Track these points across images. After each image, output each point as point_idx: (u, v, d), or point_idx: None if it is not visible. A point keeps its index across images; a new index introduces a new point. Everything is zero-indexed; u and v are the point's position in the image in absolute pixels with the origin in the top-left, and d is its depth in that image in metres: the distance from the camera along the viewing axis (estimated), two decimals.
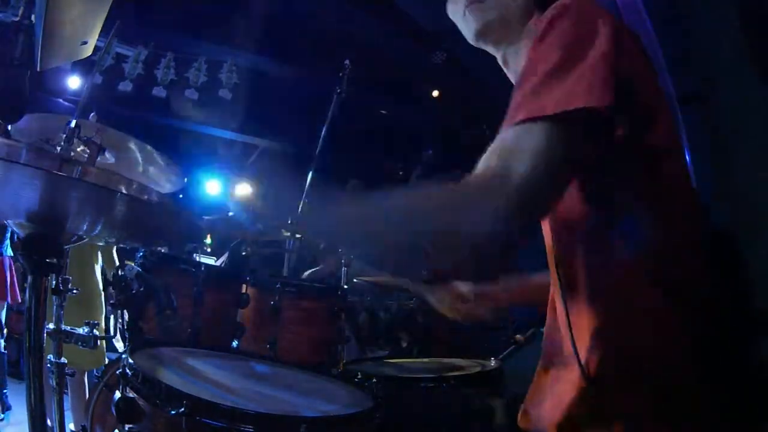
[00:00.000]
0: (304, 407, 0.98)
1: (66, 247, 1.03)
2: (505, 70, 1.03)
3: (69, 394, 2.36)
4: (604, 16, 0.73)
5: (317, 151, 2.41)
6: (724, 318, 0.74)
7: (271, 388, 1.07)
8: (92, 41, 1.59)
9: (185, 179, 2.04)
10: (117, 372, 0.94)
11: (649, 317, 0.72)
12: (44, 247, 0.96)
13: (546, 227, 0.90)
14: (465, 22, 0.98)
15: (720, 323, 0.73)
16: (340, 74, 2.42)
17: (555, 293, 0.90)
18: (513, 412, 0.95)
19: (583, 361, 0.75)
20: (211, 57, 5.16)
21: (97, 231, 1.12)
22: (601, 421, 0.74)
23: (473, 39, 0.98)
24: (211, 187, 7.05)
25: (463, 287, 1.23)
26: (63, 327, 1.41)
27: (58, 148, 1.39)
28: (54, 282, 1.34)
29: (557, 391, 0.83)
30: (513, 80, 1.02)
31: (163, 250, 1.54)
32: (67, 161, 1.34)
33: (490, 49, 1.00)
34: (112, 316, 2.86)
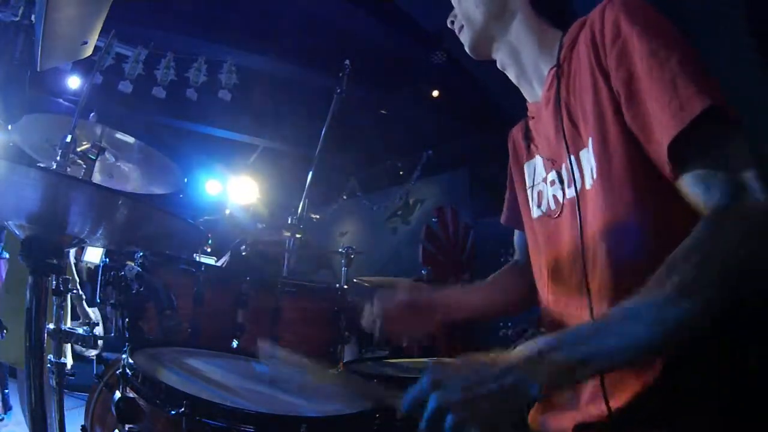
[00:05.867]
0: (304, 407, 0.98)
1: (66, 249, 1.03)
2: (505, 71, 1.04)
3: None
4: None
5: (317, 151, 2.41)
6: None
7: (271, 388, 1.07)
8: (92, 41, 1.59)
9: (185, 179, 2.04)
10: (117, 372, 0.94)
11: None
12: (45, 248, 0.96)
13: (571, 240, 0.88)
14: (462, 39, 1.05)
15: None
16: (340, 74, 2.42)
17: (571, 308, 0.89)
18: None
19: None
20: (211, 57, 5.16)
21: (98, 234, 1.12)
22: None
23: (474, 57, 1.05)
24: (211, 187, 7.05)
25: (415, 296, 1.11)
26: (63, 327, 1.42)
27: (54, 164, 1.39)
28: (54, 282, 1.34)
29: (576, 400, 0.84)
30: (513, 79, 1.03)
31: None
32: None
33: (487, 58, 1.05)
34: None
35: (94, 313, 2.18)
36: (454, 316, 1.14)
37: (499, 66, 1.04)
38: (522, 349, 0.66)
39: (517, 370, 0.63)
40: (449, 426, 0.61)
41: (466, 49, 1.04)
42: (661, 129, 0.70)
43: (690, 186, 0.70)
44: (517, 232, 1.20)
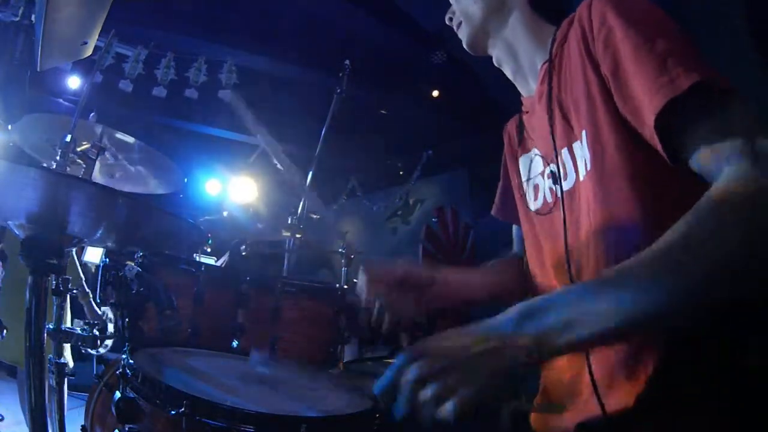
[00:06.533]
0: (304, 407, 0.98)
1: (67, 249, 1.03)
2: (501, 68, 1.05)
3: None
4: None
5: (317, 151, 2.41)
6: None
7: (271, 388, 1.07)
8: (92, 41, 1.59)
9: (185, 179, 2.04)
10: (117, 372, 0.94)
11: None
12: (45, 248, 0.96)
13: (555, 229, 0.88)
14: (460, 36, 1.05)
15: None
16: (340, 74, 2.42)
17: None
18: (516, 411, 0.95)
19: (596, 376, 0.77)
20: (211, 57, 5.16)
21: (98, 234, 1.12)
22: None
23: (471, 53, 1.05)
24: (211, 187, 7.05)
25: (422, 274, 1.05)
26: (63, 327, 1.42)
27: (54, 164, 1.40)
28: (54, 282, 1.34)
29: (577, 399, 0.84)
30: (509, 75, 1.04)
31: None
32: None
33: (483, 54, 1.05)
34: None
35: (101, 311, 2.17)
36: (448, 297, 1.08)
37: (495, 62, 1.04)
38: (503, 314, 0.63)
39: (498, 333, 0.61)
40: (432, 395, 0.58)
41: (464, 45, 1.04)
42: (649, 104, 0.68)
43: (698, 160, 0.66)
44: (515, 225, 1.20)
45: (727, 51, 2.56)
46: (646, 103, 0.69)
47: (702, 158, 0.66)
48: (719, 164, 0.64)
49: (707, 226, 0.59)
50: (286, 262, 2.32)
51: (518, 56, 0.99)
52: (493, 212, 1.22)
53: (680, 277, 0.58)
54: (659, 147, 0.69)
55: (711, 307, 0.60)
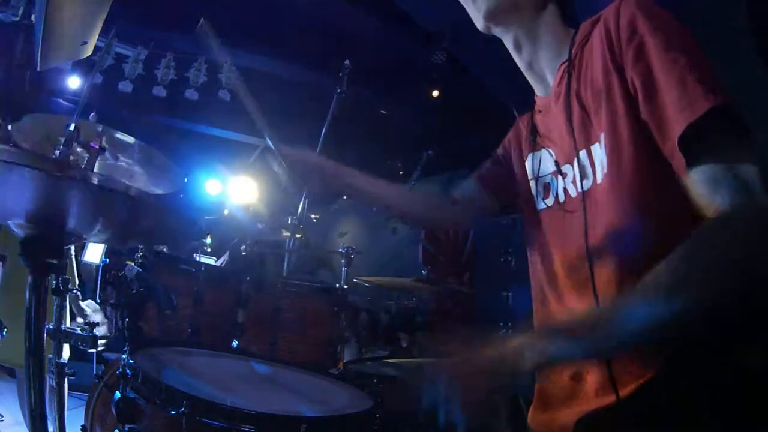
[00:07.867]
0: (304, 407, 0.98)
1: (66, 247, 1.03)
2: (515, 55, 1.01)
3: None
4: None
5: (317, 151, 2.41)
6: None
7: (271, 388, 1.07)
8: (92, 41, 1.59)
9: (185, 179, 2.04)
10: (117, 372, 0.94)
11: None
12: (44, 248, 0.96)
13: (580, 234, 0.88)
14: (475, 5, 0.97)
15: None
16: (340, 74, 2.42)
17: (571, 300, 0.89)
18: (516, 410, 0.95)
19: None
20: (211, 57, 5.15)
21: (96, 231, 1.12)
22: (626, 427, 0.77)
23: (483, 20, 0.97)
24: (211, 187, 7.05)
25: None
26: (63, 327, 1.42)
27: (57, 152, 1.39)
28: (54, 282, 1.34)
29: (577, 396, 0.84)
30: (522, 66, 1.02)
31: (163, 249, 1.54)
32: (66, 165, 1.34)
33: (499, 32, 0.99)
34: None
35: (89, 307, 2.16)
36: (353, 189, 1.27)
37: (511, 45, 1.00)
38: (517, 335, 0.71)
39: (511, 355, 0.69)
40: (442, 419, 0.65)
41: (479, 11, 0.97)
42: (673, 124, 0.71)
43: (697, 185, 0.70)
44: (473, 181, 1.24)
45: (728, 51, 2.56)
46: (670, 121, 0.72)
47: (701, 185, 0.70)
48: (714, 194, 0.69)
49: (699, 254, 0.65)
50: (286, 262, 2.32)
51: (539, 49, 0.97)
52: (474, 175, 1.24)
53: (675, 304, 0.63)
54: (678, 161, 0.72)
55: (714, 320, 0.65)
